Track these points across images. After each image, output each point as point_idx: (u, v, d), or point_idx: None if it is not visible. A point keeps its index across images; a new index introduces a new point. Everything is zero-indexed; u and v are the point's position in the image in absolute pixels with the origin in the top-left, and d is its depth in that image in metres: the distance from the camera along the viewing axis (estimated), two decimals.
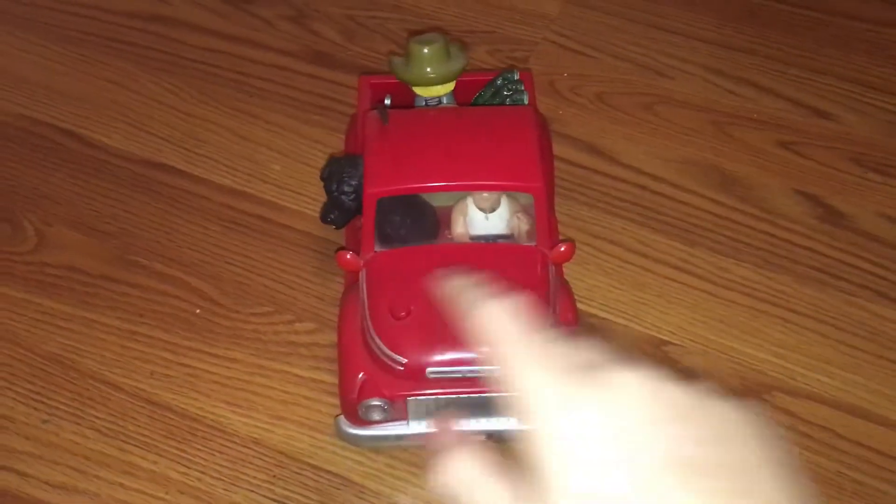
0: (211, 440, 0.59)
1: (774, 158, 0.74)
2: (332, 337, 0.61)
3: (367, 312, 0.55)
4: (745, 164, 0.73)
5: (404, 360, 0.53)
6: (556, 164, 0.72)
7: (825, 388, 0.61)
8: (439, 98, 0.65)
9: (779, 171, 0.73)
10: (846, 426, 0.59)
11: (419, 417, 0.55)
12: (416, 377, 0.54)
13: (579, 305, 0.64)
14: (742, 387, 0.61)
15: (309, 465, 0.58)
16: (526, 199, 0.59)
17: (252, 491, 0.57)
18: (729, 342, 0.63)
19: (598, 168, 0.73)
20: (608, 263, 0.67)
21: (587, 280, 0.66)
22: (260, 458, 0.58)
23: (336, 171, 0.61)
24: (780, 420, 0.60)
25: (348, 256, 0.57)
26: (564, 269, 0.64)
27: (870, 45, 0.82)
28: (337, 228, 0.64)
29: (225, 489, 0.57)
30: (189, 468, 0.58)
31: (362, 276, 0.57)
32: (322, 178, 0.62)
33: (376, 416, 0.55)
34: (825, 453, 0.58)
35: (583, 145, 0.75)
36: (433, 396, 0.54)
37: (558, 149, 0.73)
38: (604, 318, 0.64)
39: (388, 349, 0.54)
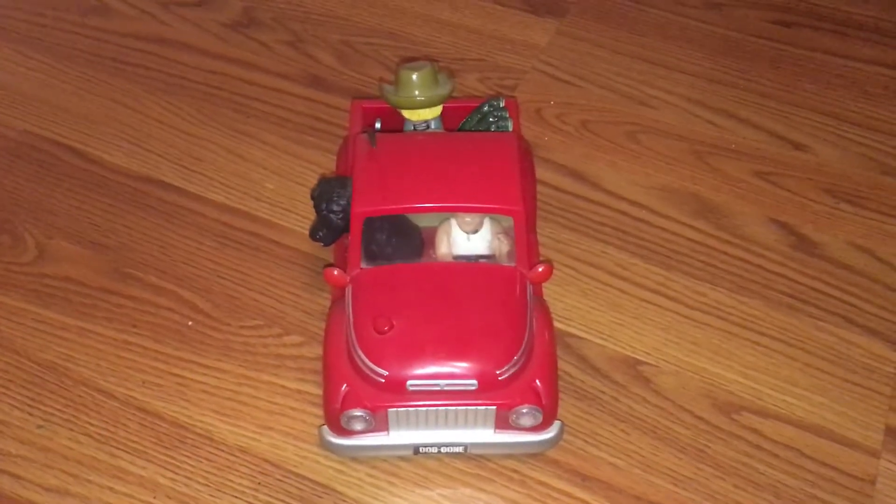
0: (199, 448, 0.61)
1: (751, 188, 0.76)
2: (319, 350, 0.63)
3: (351, 326, 0.58)
4: (722, 192, 0.76)
5: (386, 373, 0.56)
6: (541, 188, 0.74)
7: (792, 408, 0.63)
8: (427, 122, 0.68)
9: (755, 200, 0.76)
10: (811, 446, 0.61)
11: (399, 428, 0.58)
12: (397, 389, 0.56)
13: (558, 325, 0.67)
14: (712, 406, 0.63)
15: (293, 473, 0.60)
16: (507, 221, 0.62)
17: (237, 497, 0.59)
18: (701, 363, 0.65)
19: (581, 193, 0.76)
20: (587, 285, 0.70)
21: (566, 301, 0.69)
22: (245, 466, 0.60)
23: (326, 191, 0.64)
24: (747, 439, 0.62)
25: (335, 273, 0.60)
26: (545, 290, 0.66)
27: (846, 81, 0.85)
28: (325, 246, 0.66)
29: (211, 495, 0.59)
30: (177, 474, 0.60)
31: (348, 291, 0.60)
32: (312, 198, 0.65)
33: (358, 426, 0.57)
34: (790, 472, 0.60)
35: (567, 171, 0.78)
36: (413, 408, 0.56)
37: (543, 174, 0.76)
38: (582, 338, 0.67)
39: (371, 362, 0.56)
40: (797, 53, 0.87)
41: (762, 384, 0.64)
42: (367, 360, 0.56)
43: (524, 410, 0.56)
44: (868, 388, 0.64)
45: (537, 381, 0.57)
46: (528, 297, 0.59)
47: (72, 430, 0.62)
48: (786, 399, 0.64)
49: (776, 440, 0.62)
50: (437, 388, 0.56)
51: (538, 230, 0.70)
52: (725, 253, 0.72)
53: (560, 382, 0.61)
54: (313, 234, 0.65)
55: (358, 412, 0.56)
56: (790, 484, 0.60)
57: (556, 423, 0.59)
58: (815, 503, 0.59)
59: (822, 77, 0.85)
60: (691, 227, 0.74)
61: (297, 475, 0.60)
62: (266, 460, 0.60)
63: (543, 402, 0.56)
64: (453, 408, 0.56)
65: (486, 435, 0.58)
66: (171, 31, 0.88)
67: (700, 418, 0.63)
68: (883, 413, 0.63)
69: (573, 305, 0.69)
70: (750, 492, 0.59)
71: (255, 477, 0.60)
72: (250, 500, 0.59)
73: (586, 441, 0.61)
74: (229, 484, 0.59)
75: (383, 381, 0.56)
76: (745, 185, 0.77)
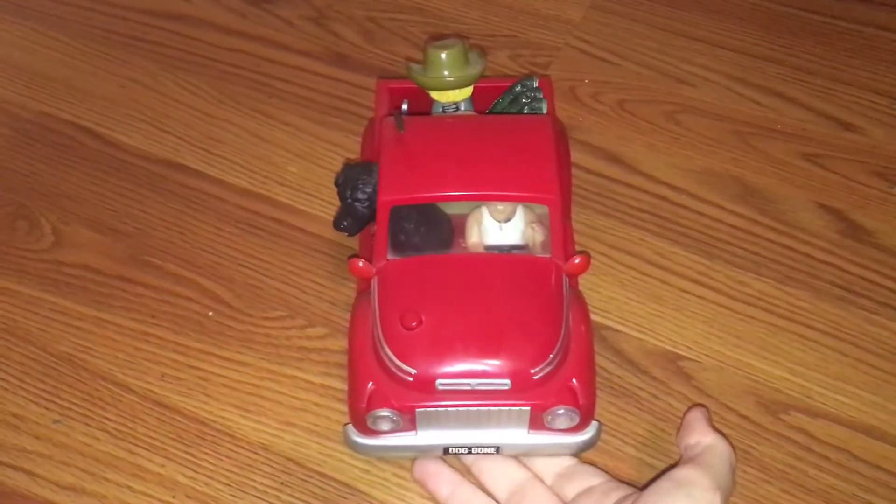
0: (219, 445, 0.59)
1: (797, 171, 0.72)
2: (344, 342, 0.60)
3: (377, 321, 0.55)
4: (767, 175, 0.72)
5: (414, 371, 0.53)
6: (575, 172, 0.71)
7: (843, 408, 0.60)
8: (457, 104, 0.64)
9: (801, 184, 0.72)
10: (864, 448, 0.58)
11: (428, 428, 0.55)
12: (426, 388, 0.53)
13: (595, 317, 0.63)
14: (757, 405, 0.60)
15: (317, 472, 0.58)
16: (542, 209, 0.59)
17: (259, 497, 0.57)
18: (745, 358, 0.62)
19: (618, 177, 0.72)
20: (625, 275, 0.66)
21: (603, 291, 0.65)
22: (268, 465, 0.58)
23: (350, 178, 0.61)
24: (795, 440, 0.58)
25: (360, 264, 0.57)
26: (580, 280, 0.63)
27: None
28: (349, 235, 0.63)
29: (232, 495, 0.57)
30: (197, 472, 0.58)
31: (374, 284, 0.57)
32: (336, 185, 0.62)
33: (385, 426, 0.54)
34: (842, 476, 0.57)
35: (603, 153, 0.74)
36: (442, 408, 0.53)
37: (577, 157, 0.72)
38: (619, 331, 0.64)
39: (398, 359, 0.53)
40: (846, 28, 0.83)
41: (811, 381, 0.61)
42: (394, 358, 0.53)
43: (560, 412, 0.53)
44: None
45: (574, 381, 0.54)
46: (564, 291, 0.56)
47: (88, 425, 0.59)
48: (836, 397, 0.60)
49: (826, 441, 0.58)
50: (468, 388, 0.53)
51: (573, 216, 0.67)
52: (770, 240, 0.68)
53: (596, 378, 0.57)
54: (337, 224, 0.62)
55: (384, 412, 0.53)
56: (841, 488, 0.56)
57: (594, 424, 0.56)
58: None
59: (873, 53, 0.81)
60: (734, 212, 0.70)
61: (322, 475, 0.57)
62: (289, 458, 0.58)
63: (580, 402, 0.53)
64: (485, 408, 0.53)
65: (519, 436, 0.55)
66: (189, 7, 0.85)
67: (745, 418, 0.59)
68: None
69: (609, 296, 0.65)
70: (799, 496, 0.56)
71: (277, 476, 0.57)
72: (273, 500, 0.56)
73: (623, 441, 0.58)
74: (251, 483, 0.57)
75: (411, 379, 0.53)
76: (792, 167, 0.73)
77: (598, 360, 0.61)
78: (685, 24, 0.83)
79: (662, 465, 0.57)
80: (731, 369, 0.62)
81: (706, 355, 0.62)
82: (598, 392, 0.59)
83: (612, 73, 0.80)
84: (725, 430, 0.59)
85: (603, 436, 0.58)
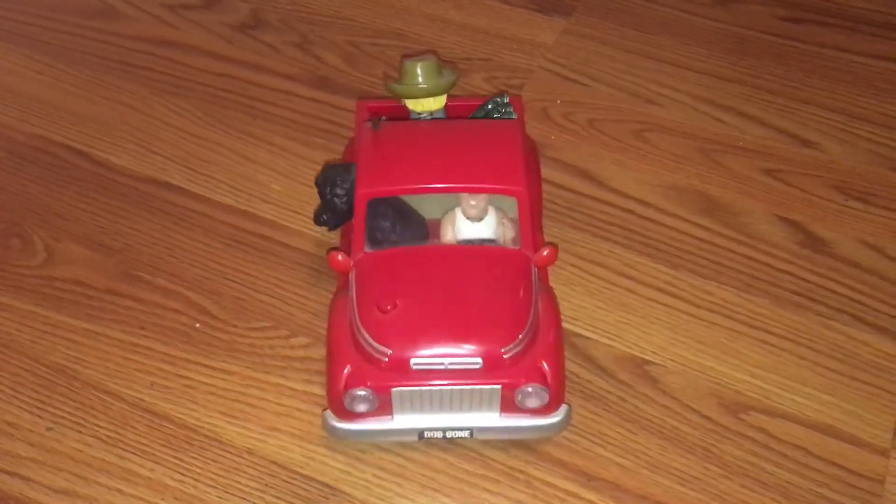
0: (206, 449, 0.61)
1: (758, 185, 0.76)
2: (325, 350, 0.63)
3: (355, 307, 0.58)
4: (730, 190, 0.76)
5: (389, 352, 0.56)
6: (548, 188, 0.74)
7: (800, 408, 0.63)
8: (431, 114, 0.68)
9: (762, 198, 0.75)
10: (819, 445, 0.61)
11: (404, 412, 0.58)
12: (401, 368, 0.56)
13: (565, 325, 0.67)
14: (719, 406, 0.63)
15: (300, 474, 0.60)
16: (512, 209, 0.62)
17: (244, 499, 0.59)
18: (708, 362, 0.65)
19: (588, 192, 0.76)
20: (594, 284, 0.70)
21: (573, 300, 0.69)
22: (253, 468, 0.60)
23: (330, 176, 0.64)
24: (755, 438, 0.61)
25: (339, 257, 0.60)
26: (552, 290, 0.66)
27: (854, 77, 0.84)
28: (329, 230, 0.66)
29: (219, 496, 0.59)
30: (185, 476, 0.60)
31: (352, 275, 0.60)
32: (316, 184, 0.65)
33: (362, 406, 0.57)
34: (798, 471, 0.60)
35: (574, 170, 0.77)
36: (417, 388, 0.56)
37: (550, 173, 0.76)
38: (589, 338, 0.67)
39: (374, 341, 0.56)
40: (805, 49, 0.87)
41: (770, 383, 0.64)
42: (370, 339, 0.56)
43: (529, 390, 0.56)
44: (877, 387, 0.64)
45: (543, 363, 0.57)
46: (533, 279, 0.59)
47: (80, 432, 0.62)
48: (794, 398, 0.63)
49: (784, 440, 0.61)
50: (442, 367, 0.55)
51: (545, 230, 0.70)
52: (733, 251, 0.72)
53: (567, 382, 0.61)
54: (318, 219, 0.65)
55: (361, 391, 0.56)
56: (798, 484, 0.59)
57: (564, 407, 0.58)
58: (824, 503, 0.59)
59: (830, 73, 0.85)
60: (698, 225, 0.73)
61: (304, 476, 0.60)
62: (273, 461, 0.61)
63: (549, 382, 0.56)
64: (458, 388, 0.56)
65: (491, 419, 0.58)
66: (177, 33, 0.89)
67: (707, 418, 0.62)
68: (892, 412, 0.63)
69: (579, 305, 0.68)
70: (758, 492, 0.59)
71: (262, 478, 0.60)
72: (257, 501, 0.59)
73: (593, 441, 0.61)
74: (237, 485, 0.60)
75: (387, 359, 0.56)
76: (753, 182, 0.76)
77: (569, 365, 0.64)
78: (653, 48, 0.87)
79: (630, 464, 0.60)
80: (694, 373, 0.65)
81: (671, 360, 0.65)
82: (569, 395, 0.62)
83: (583, 94, 0.83)
84: (689, 430, 0.62)
85: (574, 436, 0.61)
